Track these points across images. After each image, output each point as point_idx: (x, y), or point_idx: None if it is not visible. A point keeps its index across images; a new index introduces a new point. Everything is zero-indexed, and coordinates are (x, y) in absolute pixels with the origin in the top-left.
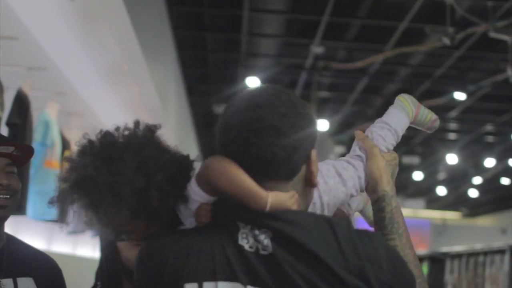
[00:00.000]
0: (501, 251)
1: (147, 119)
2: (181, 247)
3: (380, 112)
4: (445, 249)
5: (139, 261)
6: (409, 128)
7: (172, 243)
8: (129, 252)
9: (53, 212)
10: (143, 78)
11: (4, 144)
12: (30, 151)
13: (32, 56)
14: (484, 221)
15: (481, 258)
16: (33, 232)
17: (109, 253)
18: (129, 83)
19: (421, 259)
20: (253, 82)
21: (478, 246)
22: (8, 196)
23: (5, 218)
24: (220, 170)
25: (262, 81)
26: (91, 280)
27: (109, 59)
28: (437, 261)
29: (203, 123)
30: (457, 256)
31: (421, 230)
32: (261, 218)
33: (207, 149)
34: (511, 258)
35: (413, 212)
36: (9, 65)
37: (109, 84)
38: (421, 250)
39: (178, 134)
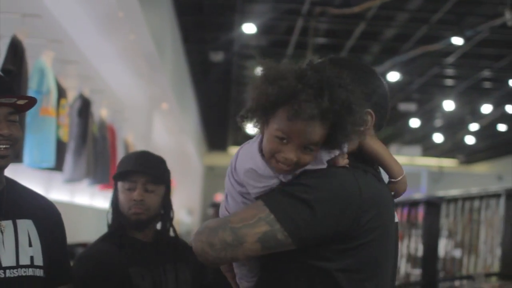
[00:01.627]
0: (496, 195)
1: (143, 67)
2: None
3: (378, 58)
4: (441, 194)
5: None
6: (407, 74)
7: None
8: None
9: (50, 159)
10: (138, 26)
11: (9, 96)
12: (32, 101)
13: (26, 3)
14: (480, 168)
15: (476, 203)
16: (30, 179)
17: None
18: (124, 31)
19: (417, 203)
20: (249, 28)
21: (474, 190)
22: (9, 146)
23: (5, 167)
24: (376, 142)
25: (258, 28)
26: (89, 227)
27: (104, 6)
28: (432, 205)
29: (200, 71)
30: (453, 200)
31: (418, 177)
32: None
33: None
34: (506, 202)
35: (409, 159)
36: (3, 12)
37: (104, 31)
38: (417, 195)
39: (174, 82)
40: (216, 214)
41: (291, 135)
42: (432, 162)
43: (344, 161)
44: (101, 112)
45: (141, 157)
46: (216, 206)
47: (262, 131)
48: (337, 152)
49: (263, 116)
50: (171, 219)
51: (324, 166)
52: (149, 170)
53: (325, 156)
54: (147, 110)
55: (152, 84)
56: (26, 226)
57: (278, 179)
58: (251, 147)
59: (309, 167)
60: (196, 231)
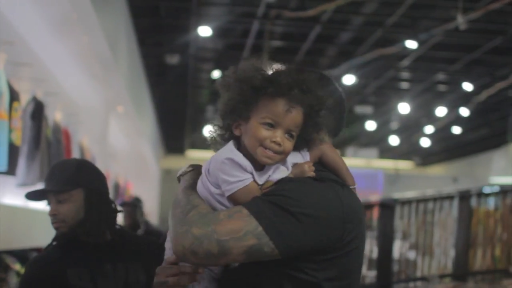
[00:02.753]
0: (450, 197)
1: (98, 69)
2: None
3: (334, 61)
4: (396, 196)
5: None
6: (363, 77)
7: None
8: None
9: (2, 163)
10: (92, 28)
11: None
12: None
13: None
14: (436, 170)
15: (430, 204)
16: None
17: None
18: (78, 33)
19: (372, 205)
20: (205, 31)
21: (428, 192)
22: None
23: None
24: (335, 152)
25: (214, 31)
26: (43, 232)
27: (58, 7)
28: (387, 207)
29: (156, 74)
30: (407, 202)
31: (375, 179)
32: None
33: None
34: (459, 204)
35: (366, 161)
36: None
37: (58, 33)
38: (373, 197)
39: (130, 85)
40: None
41: (279, 119)
42: (389, 164)
43: (310, 170)
44: (55, 115)
45: (48, 173)
46: None
47: (239, 131)
48: (299, 157)
49: (243, 112)
50: (104, 219)
51: (289, 171)
52: (50, 183)
53: (290, 159)
54: (103, 113)
55: (107, 86)
56: None
57: (252, 177)
58: (225, 148)
59: (276, 175)
60: (176, 231)
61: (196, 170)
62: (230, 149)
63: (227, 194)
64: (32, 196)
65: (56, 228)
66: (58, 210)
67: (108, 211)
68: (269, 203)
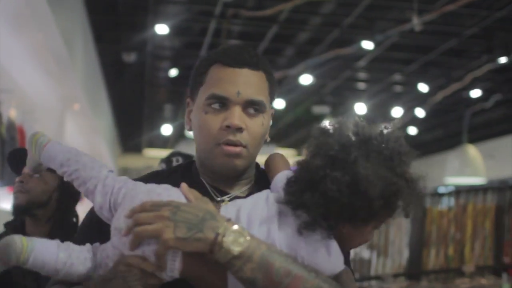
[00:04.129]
0: None
1: (53, 66)
2: None
3: (291, 61)
4: None
5: None
6: (320, 77)
7: None
8: None
9: None
10: (46, 24)
11: None
12: None
13: None
14: None
15: None
16: None
17: None
18: (33, 29)
19: None
20: (162, 29)
21: None
22: None
23: None
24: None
25: (171, 29)
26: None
27: (11, 2)
28: None
29: (113, 71)
30: None
31: None
32: None
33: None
34: None
35: None
36: None
37: (12, 29)
38: None
39: (86, 83)
40: None
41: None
42: None
43: None
44: (9, 112)
45: None
46: None
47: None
48: None
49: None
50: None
51: None
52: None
53: None
54: (59, 111)
55: (63, 84)
56: None
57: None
58: None
59: None
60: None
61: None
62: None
63: None
64: (13, 157)
65: (15, 195)
66: (27, 181)
67: (69, 207)
68: None
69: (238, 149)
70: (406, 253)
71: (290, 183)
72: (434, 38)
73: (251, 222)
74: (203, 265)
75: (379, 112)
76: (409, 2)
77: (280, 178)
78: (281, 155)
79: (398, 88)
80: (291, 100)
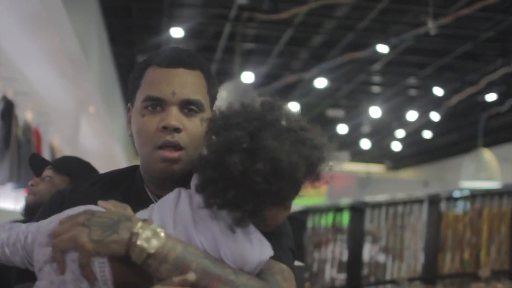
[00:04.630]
0: (419, 201)
1: (69, 69)
2: None
3: (306, 64)
4: (367, 199)
5: None
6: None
7: None
8: None
9: None
10: (63, 27)
11: None
12: None
13: None
14: (407, 174)
15: (400, 208)
16: None
17: None
18: (49, 32)
19: (342, 208)
20: (177, 32)
21: (399, 196)
22: None
23: None
24: None
25: (186, 32)
26: None
27: (28, 5)
28: (357, 210)
29: (128, 74)
30: (377, 206)
31: (347, 182)
32: None
33: None
34: (429, 208)
35: (338, 165)
36: None
37: (29, 32)
38: (344, 200)
39: (101, 85)
40: None
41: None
42: (360, 168)
43: None
44: (26, 114)
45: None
46: None
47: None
48: None
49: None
50: None
51: None
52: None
53: None
54: (74, 113)
55: (78, 86)
56: None
57: None
58: None
59: None
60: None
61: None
62: None
63: None
64: (34, 161)
65: (25, 197)
66: (37, 183)
67: None
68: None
69: (176, 154)
70: (421, 257)
71: (204, 185)
72: (449, 42)
73: (164, 224)
74: (138, 274)
75: (394, 116)
76: (424, 6)
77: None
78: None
79: (413, 92)
80: (305, 104)
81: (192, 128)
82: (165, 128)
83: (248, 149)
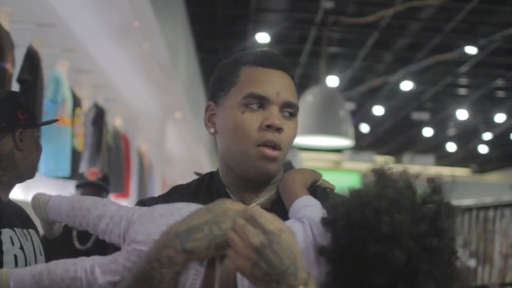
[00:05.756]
0: (511, 205)
1: (156, 75)
2: None
3: (391, 67)
4: (454, 203)
5: None
6: (420, 83)
7: None
8: None
9: (66, 169)
10: (153, 35)
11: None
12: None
13: (41, 12)
14: (493, 177)
15: (491, 212)
16: (45, 188)
17: None
18: (139, 40)
19: None
20: (262, 38)
21: (488, 200)
22: None
23: None
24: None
25: (272, 37)
26: None
27: (119, 15)
28: None
29: None
30: (467, 210)
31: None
32: None
33: None
34: None
35: (422, 168)
36: (18, 21)
37: (118, 41)
38: None
39: (187, 91)
40: None
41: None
42: (445, 171)
43: None
44: (115, 121)
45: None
46: None
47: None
48: None
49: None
50: None
51: None
52: None
53: None
54: (161, 119)
55: (165, 93)
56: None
57: None
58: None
59: None
60: None
61: None
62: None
63: None
64: None
65: None
66: None
67: None
68: None
69: (275, 153)
70: None
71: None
72: None
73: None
74: None
75: (481, 118)
76: None
77: (299, 207)
78: (299, 172)
79: (500, 94)
80: (390, 107)
81: (289, 131)
82: (269, 126)
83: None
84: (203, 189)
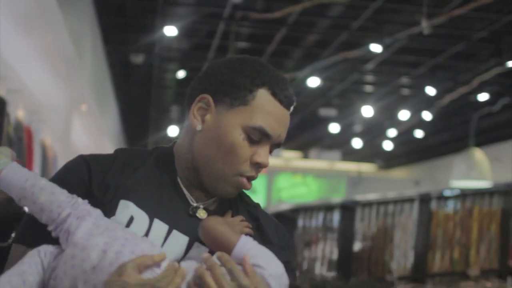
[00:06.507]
0: (410, 200)
1: (61, 67)
2: None
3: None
4: (358, 198)
5: None
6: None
7: None
8: None
9: None
10: (57, 26)
11: None
12: None
13: None
14: (398, 173)
15: (391, 207)
16: None
17: None
18: (43, 30)
19: (332, 207)
20: (170, 31)
21: (390, 195)
22: None
23: None
24: None
25: (180, 31)
26: None
27: (21, 3)
28: (347, 209)
29: (121, 73)
30: (368, 204)
31: (337, 181)
32: None
33: None
34: (420, 206)
35: (329, 164)
36: None
37: (22, 30)
38: (335, 199)
39: (94, 84)
40: None
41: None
42: (352, 167)
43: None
44: (17, 113)
45: None
46: None
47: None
48: None
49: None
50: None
51: None
52: None
53: None
54: (66, 112)
55: (71, 85)
56: None
57: None
58: None
59: None
60: None
61: None
62: None
63: None
64: None
65: None
66: None
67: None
68: None
69: (250, 185)
70: (411, 256)
71: None
72: (442, 42)
73: None
74: None
75: (386, 115)
76: (418, 6)
77: (246, 249)
78: (216, 220)
79: (405, 91)
80: (298, 103)
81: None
82: (257, 163)
83: None
84: (152, 165)
